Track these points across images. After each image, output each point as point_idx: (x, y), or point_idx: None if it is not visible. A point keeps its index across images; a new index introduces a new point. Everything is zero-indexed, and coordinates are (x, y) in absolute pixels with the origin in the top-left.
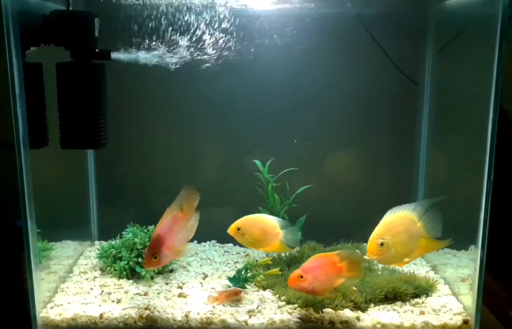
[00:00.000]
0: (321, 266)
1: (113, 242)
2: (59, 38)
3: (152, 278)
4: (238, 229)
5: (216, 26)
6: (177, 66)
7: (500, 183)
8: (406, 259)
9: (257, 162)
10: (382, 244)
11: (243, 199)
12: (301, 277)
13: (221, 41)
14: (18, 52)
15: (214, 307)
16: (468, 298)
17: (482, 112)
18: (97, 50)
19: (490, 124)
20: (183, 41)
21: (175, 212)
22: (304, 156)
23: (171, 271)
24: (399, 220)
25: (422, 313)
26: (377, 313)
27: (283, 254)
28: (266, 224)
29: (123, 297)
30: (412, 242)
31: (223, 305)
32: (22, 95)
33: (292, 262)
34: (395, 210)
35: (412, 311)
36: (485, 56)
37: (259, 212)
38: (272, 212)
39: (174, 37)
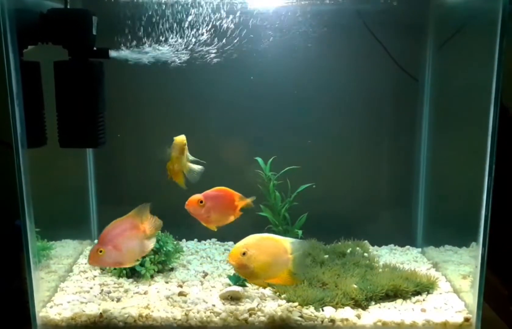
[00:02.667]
0: (221, 198)
1: None
2: (57, 36)
3: (152, 277)
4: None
5: (216, 23)
6: (177, 63)
7: (501, 180)
8: (260, 281)
9: (259, 159)
10: (244, 253)
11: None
12: (201, 202)
13: (221, 39)
14: (16, 50)
15: (214, 305)
16: (470, 296)
17: (482, 108)
18: (95, 49)
19: (490, 120)
20: (183, 39)
21: (136, 220)
22: (305, 154)
23: (171, 269)
24: (273, 243)
25: (423, 310)
26: (378, 311)
27: None
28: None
29: (123, 296)
30: (276, 268)
31: (223, 303)
32: (20, 94)
33: None
34: (276, 236)
35: (413, 309)
36: (486, 52)
37: (261, 210)
38: (273, 210)
39: (174, 34)
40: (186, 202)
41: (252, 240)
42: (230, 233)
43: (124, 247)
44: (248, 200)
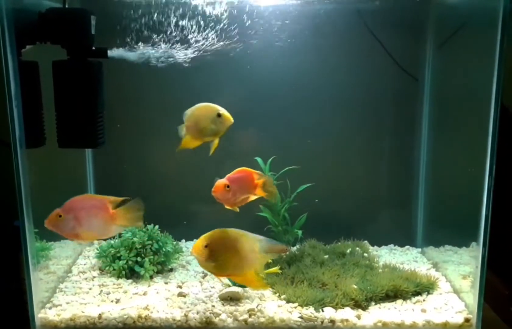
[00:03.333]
0: (244, 179)
1: (112, 242)
2: (55, 36)
3: (151, 277)
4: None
5: (215, 22)
6: (176, 63)
7: (502, 180)
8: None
9: (258, 159)
10: (206, 246)
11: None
12: (227, 186)
13: (221, 38)
14: (14, 50)
15: (213, 306)
16: (470, 296)
17: (483, 108)
18: (93, 48)
19: (491, 120)
20: (182, 38)
21: (107, 202)
22: (305, 154)
23: (171, 270)
24: (240, 239)
25: (423, 311)
26: (378, 312)
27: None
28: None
29: (122, 297)
30: (241, 266)
31: (222, 304)
32: (18, 94)
33: (293, 261)
34: (245, 233)
35: (413, 309)
36: (486, 51)
37: (260, 210)
38: (272, 210)
39: (173, 34)
40: (213, 189)
41: (216, 234)
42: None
43: (85, 222)
44: (266, 177)
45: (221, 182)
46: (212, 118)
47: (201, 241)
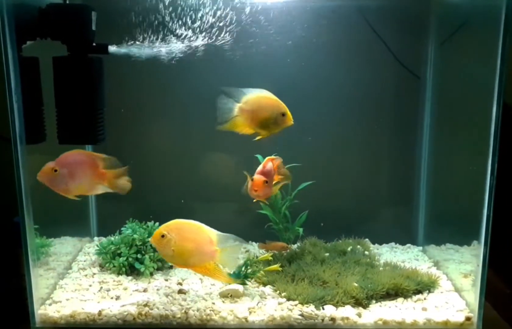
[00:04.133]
0: (270, 170)
1: (112, 238)
2: (56, 31)
3: (151, 274)
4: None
5: (216, 18)
6: (177, 60)
7: (503, 179)
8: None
9: (259, 156)
10: (163, 236)
11: (243, 195)
12: (266, 182)
13: (222, 35)
14: (14, 46)
15: (214, 303)
16: (471, 294)
17: (485, 106)
18: (94, 44)
19: (493, 119)
20: (183, 34)
21: (99, 162)
22: (306, 151)
23: (171, 267)
24: (198, 231)
25: (424, 309)
26: (378, 310)
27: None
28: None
29: (122, 294)
30: (198, 257)
31: (223, 301)
32: (18, 90)
33: (293, 258)
34: (203, 225)
35: (414, 308)
36: (489, 50)
37: (261, 208)
38: (273, 208)
39: (174, 30)
40: (252, 186)
41: (174, 225)
42: (230, 231)
43: (77, 177)
44: (278, 160)
45: (259, 178)
46: (276, 114)
47: (158, 231)
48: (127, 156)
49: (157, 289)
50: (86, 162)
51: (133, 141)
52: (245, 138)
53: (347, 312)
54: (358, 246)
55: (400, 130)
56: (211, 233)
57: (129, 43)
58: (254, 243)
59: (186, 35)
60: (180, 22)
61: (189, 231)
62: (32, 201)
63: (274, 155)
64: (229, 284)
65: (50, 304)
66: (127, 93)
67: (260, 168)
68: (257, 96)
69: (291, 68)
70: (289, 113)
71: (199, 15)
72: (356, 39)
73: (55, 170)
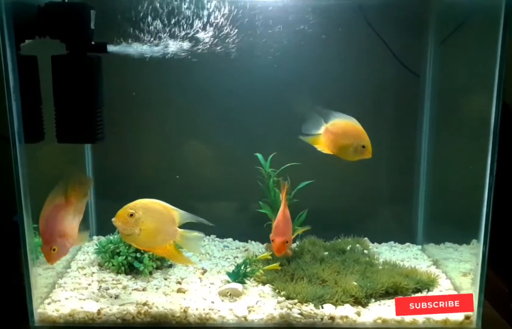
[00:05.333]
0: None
1: (111, 237)
2: (54, 30)
3: (150, 273)
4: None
5: (215, 17)
6: (176, 59)
7: (503, 177)
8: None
9: (259, 155)
10: (132, 215)
11: (243, 194)
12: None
13: (221, 34)
14: (13, 44)
15: (213, 302)
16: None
17: (484, 105)
18: (93, 43)
19: (492, 117)
20: (182, 33)
21: (57, 200)
22: (305, 150)
23: (170, 266)
24: (162, 210)
25: None
26: (378, 308)
27: None
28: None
29: (121, 293)
30: (162, 237)
31: (222, 300)
32: (17, 88)
33: (292, 257)
34: (166, 204)
35: None
36: (488, 48)
37: (260, 207)
38: (272, 207)
39: (173, 29)
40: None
41: (141, 203)
42: (229, 230)
43: (69, 229)
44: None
45: (280, 242)
46: (357, 144)
47: (125, 210)
48: (126, 154)
49: (156, 288)
50: (62, 212)
51: (133, 140)
52: (245, 138)
53: (346, 311)
54: (357, 245)
55: (399, 128)
56: (173, 212)
57: (128, 42)
58: (253, 242)
59: (187, 33)
60: (180, 22)
61: (154, 210)
62: (31, 200)
63: (271, 171)
64: (189, 265)
65: (49, 303)
66: (126, 91)
67: (279, 215)
68: (344, 122)
69: (290, 67)
70: (370, 146)
71: (199, 13)
72: (356, 38)
73: (54, 249)
